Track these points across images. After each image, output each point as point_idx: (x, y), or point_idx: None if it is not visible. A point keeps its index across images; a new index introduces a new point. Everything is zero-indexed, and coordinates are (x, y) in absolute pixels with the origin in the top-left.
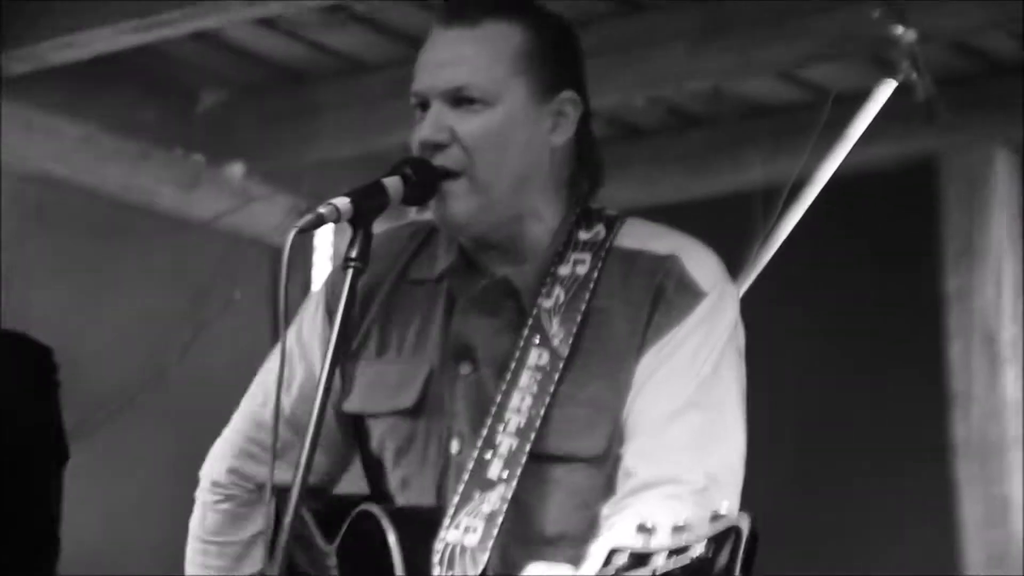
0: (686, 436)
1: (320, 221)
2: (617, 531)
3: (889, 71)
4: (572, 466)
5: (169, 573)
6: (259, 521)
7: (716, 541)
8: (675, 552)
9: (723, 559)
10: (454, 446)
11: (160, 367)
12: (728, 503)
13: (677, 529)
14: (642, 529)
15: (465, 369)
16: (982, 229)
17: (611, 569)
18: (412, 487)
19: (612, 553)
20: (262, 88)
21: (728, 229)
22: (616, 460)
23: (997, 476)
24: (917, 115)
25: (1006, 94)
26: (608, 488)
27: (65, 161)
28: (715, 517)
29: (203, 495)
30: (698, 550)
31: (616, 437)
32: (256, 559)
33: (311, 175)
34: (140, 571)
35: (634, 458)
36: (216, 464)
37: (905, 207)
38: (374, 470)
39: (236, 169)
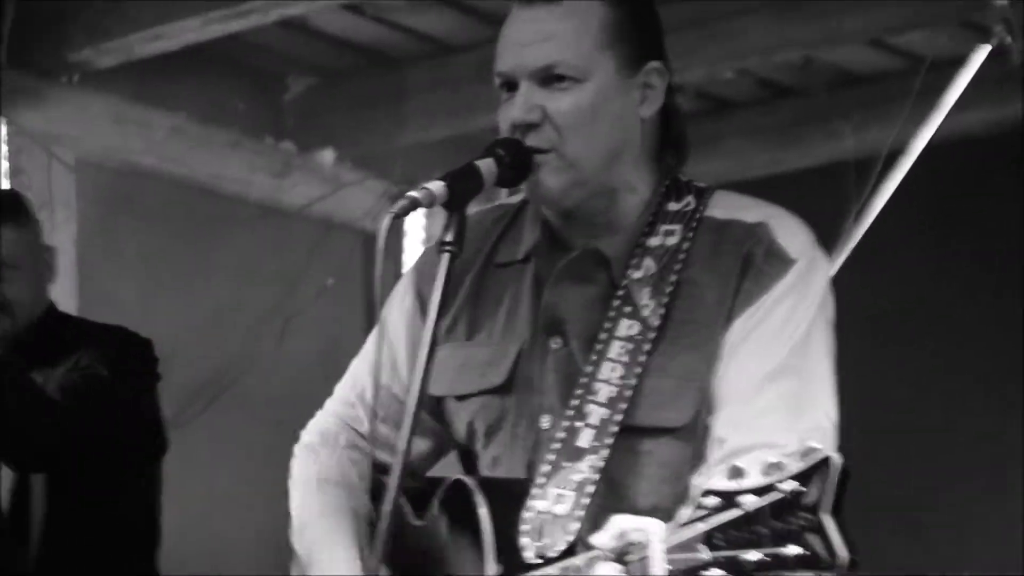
0: (777, 401)
1: (415, 205)
2: (709, 475)
3: (982, 36)
4: (661, 438)
5: (267, 561)
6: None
7: (805, 476)
8: (764, 490)
9: (812, 495)
10: (544, 421)
11: (254, 355)
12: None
13: (769, 467)
14: (734, 472)
15: (555, 343)
16: None
17: (701, 511)
18: (503, 465)
19: (703, 495)
20: (350, 73)
21: (821, 201)
22: (705, 431)
23: None
24: (1010, 79)
25: None
26: (697, 459)
27: (155, 152)
28: (807, 452)
29: (306, 446)
30: (788, 486)
31: (704, 407)
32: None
33: (402, 159)
34: (239, 559)
35: (725, 426)
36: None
37: (995, 171)
38: (464, 453)
39: (327, 156)
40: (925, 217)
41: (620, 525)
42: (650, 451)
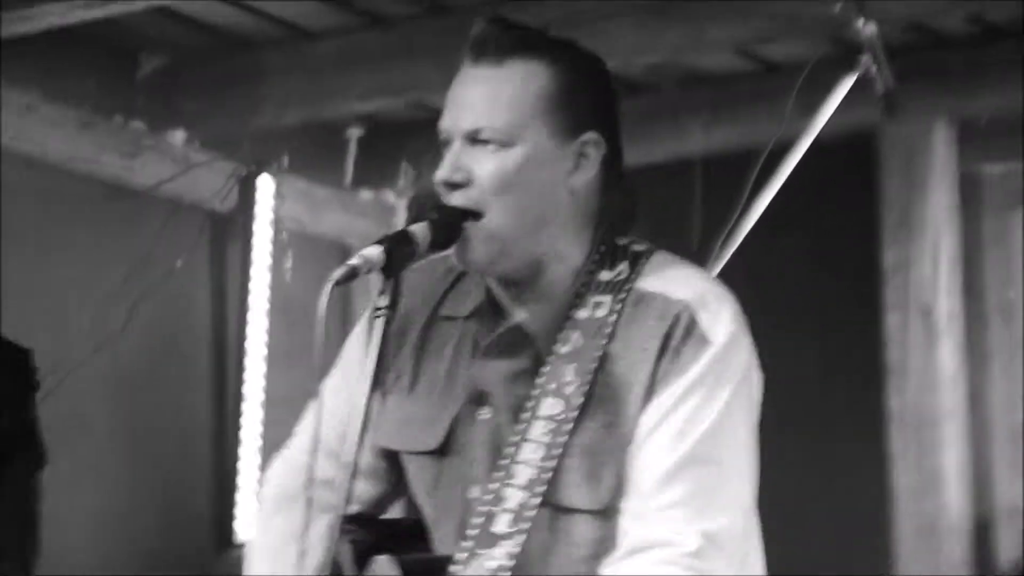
0: (683, 495)
1: (354, 273)
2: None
3: (848, 66)
4: (577, 518)
5: (106, 541)
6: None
7: None
8: None
9: None
10: (473, 491)
11: (104, 335)
12: (726, 566)
13: None
14: None
15: (484, 414)
16: (920, 202)
17: None
18: (440, 527)
19: None
20: (204, 54)
21: (668, 197)
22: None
23: (930, 448)
24: (861, 89)
25: (947, 67)
26: (614, 539)
27: (8, 130)
28: None
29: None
30: None
31: (620, 490)
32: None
33: (252, 141)
34: (79, 542)
35: (629, 519)
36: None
37: (844, 178)
38: (413, 503)
39: (177, 136)
40: (770, 220)
41: None
42: (567, 531)
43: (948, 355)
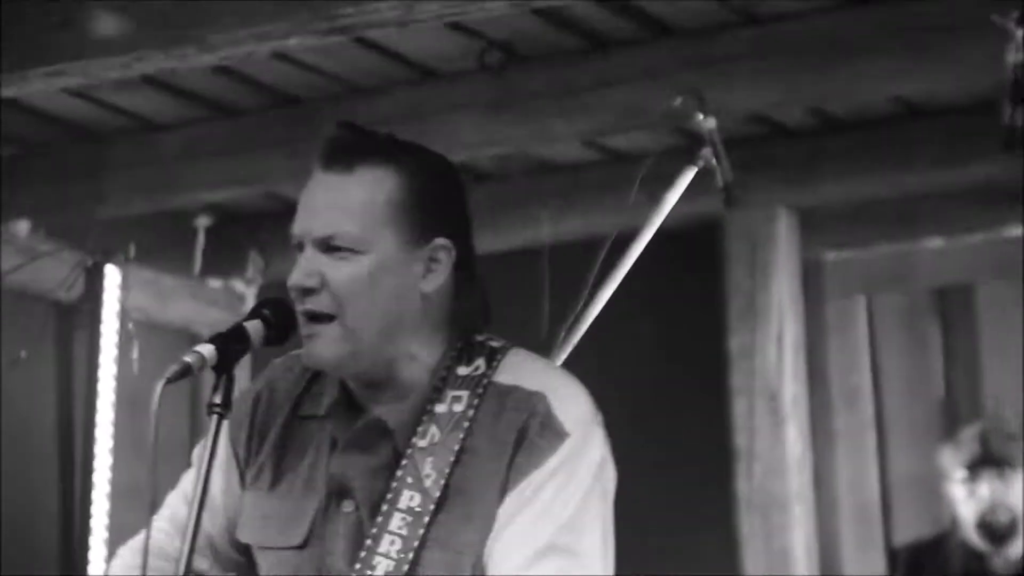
0: None
1: (187, 370)
2: None
3: (689, 158)
4: None
5: None
6: None
7: None
8: None
9: None
10: None
11: None
12: None
13: None
14: None
15: (347, 507)
16: (764, 289)
17: None
18: None
19: None
20: (50, 146)
21: (516, 284)
22: None
23: (779, 530)
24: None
25: (790, 156)
26: None
27: None
28: None
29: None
30: None
31: None
32: None
33: (98, 231)
34: None
35: None
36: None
37: (689, 266)
38: None
39: (21, 226)
40: (616, 305)
41: None
42: None
43: (794, 439)
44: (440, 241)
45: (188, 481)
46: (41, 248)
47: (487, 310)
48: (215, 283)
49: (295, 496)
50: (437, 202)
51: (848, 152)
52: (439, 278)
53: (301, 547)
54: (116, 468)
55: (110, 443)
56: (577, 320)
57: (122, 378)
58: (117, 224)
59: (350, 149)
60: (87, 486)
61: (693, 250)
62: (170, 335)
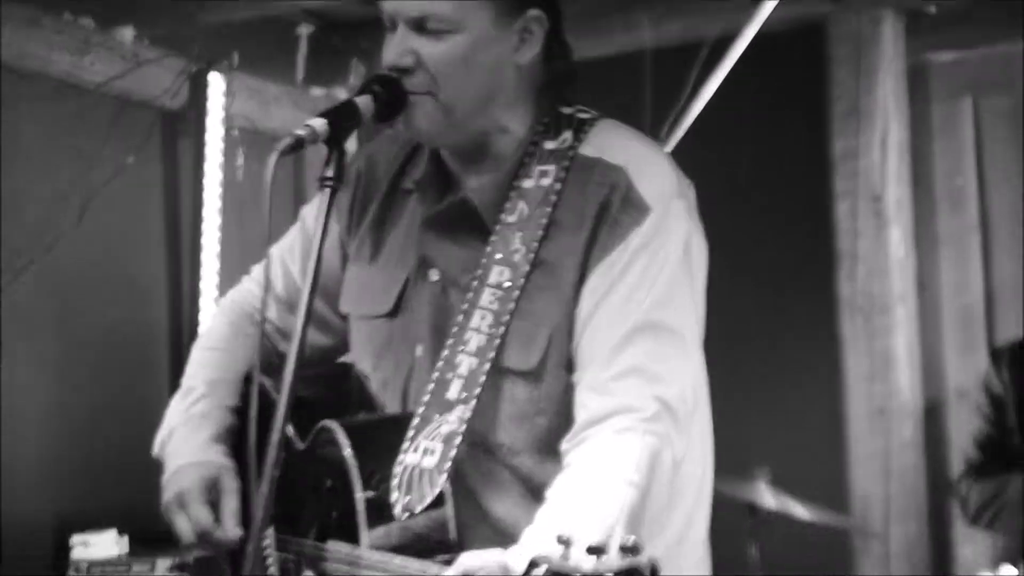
0: (634, 362)
1: (300, 143)
2: (539, 539)
3: None
4: (512, 378)
5: (58, 437)
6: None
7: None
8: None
9: None
10: (418, 350)
11: (52, 234)
12: (677, 431)
13: (591, 550)
14: (561, 540)
15: (434, 276)
16: (868, 92)
17: None
18: (388, 388)
19: (532, 565)
20: None
21: (618, 88)
22: (553, 372)
23: (881, 332)
24: None
25: None
26: (546, 402)
27: None
28: (627, 549)
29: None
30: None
31: (553, 353)
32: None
33: (201, 38)
34: (30, 438)
35: (585, 391)
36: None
37: (793, 69)
38: (363, 366)
39: (126, 33)
40: (721, 108)
41: (466, 565)
42: (504, 390)
43: (897, 241)
44: (533, 12)
45: (292, 235)
46: (146, 55)
47: (575, 78)
48: (317, 91)
49: (390, 267)
50: None
51: None
52: (532, 49)
53: (391, 315)
54: (223, 271)
55: (217, 247)
56: (678, 119)
57: (227, 184)
58: (221, 32)
59: None
60: (195, 291)
61: (797, 53)
62: (273, 142)
